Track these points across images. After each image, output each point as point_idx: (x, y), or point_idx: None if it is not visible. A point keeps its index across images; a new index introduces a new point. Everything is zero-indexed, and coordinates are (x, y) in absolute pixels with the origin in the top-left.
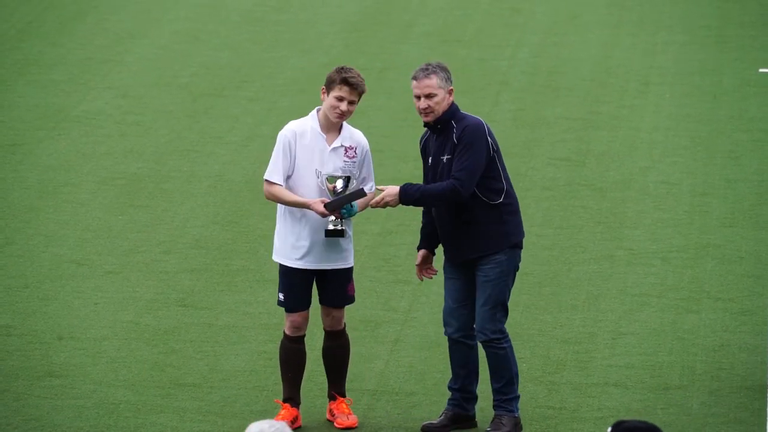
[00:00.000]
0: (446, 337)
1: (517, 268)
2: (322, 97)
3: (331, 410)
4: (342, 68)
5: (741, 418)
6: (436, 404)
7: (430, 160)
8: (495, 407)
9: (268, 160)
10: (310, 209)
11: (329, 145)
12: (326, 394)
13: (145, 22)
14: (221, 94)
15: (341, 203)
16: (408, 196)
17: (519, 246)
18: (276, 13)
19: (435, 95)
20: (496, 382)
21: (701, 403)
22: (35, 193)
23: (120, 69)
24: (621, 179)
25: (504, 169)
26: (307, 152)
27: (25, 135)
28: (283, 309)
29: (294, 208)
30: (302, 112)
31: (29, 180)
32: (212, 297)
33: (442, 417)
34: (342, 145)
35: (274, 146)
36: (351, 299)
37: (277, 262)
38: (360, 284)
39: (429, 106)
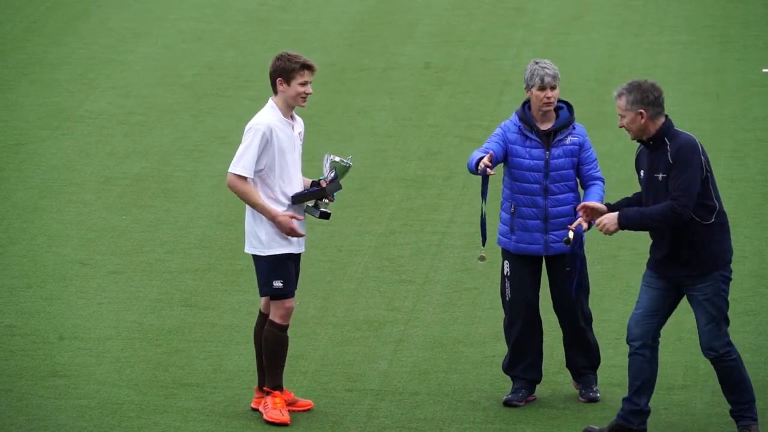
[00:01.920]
0: (452, 338)
1: (730, 279)
2: (280, 88)
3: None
4: (289, 56)
5: None
6: (440, 404)
7: (642, 174)
8: (737, 419)
9: None
10: (276, 222)
11: (294, 132)
12: (255, 386)
13: (149, 21)
14: (225, 93)
15: (306, 199)
16: (629, 221)
17: (730, 261)
18: (280, 13)
19: (624, 116)
20: (731, 394)
21: (705, 403)
22: (39, 193)
23: (124, 68)
24: (625, 179)
25: (715, 188)
26: (286, 143)
27: (28, 134)
28: (275, 298)
29: (272, 196)
30: (305, 111)
31: (33, 180)
32: (216, 297)
33: (606, 427)
34: (300, 130)
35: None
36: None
37: (261, 255)
38: (364, 284)
39: (622, 125)
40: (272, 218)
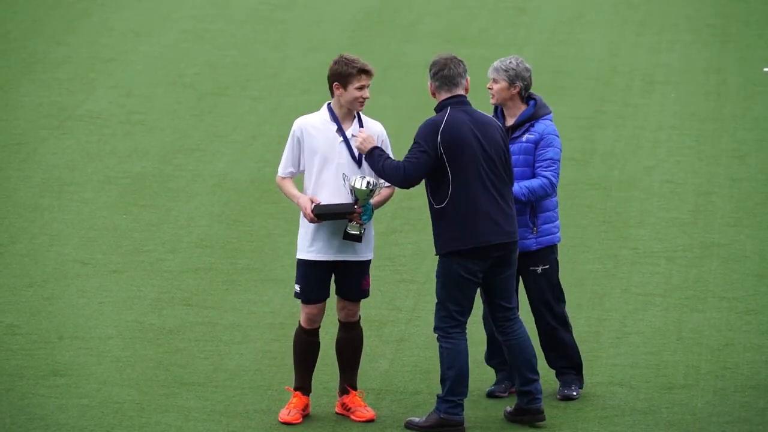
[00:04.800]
0: None
1: (453, 270)
2: (337, 92)
3: (344, 404)
4: (346, 60)
5: (746, 417)
6: None
7: None
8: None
9: (273, 159)
10: (298, 204)
11: (347, 134)
12: (336, 388)
13: (150, 20)
14: (226, 93)
15: (329, 216)
16: (372, 154)
17: (459, 253)
18: (281, 12)
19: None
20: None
21: (706, 402)
22: (40, 192)
23: (125, 68)
24: (626, 178)
25: (464, 175)
26: (323, 146)
27: (29, 134)
28: (299, 301)
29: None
30: (307, 111)
31: (34, 179)
32: (217, 296)
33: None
34: (356, 135)
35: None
36: (365, 293)
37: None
38: None
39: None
40: (295, 200)
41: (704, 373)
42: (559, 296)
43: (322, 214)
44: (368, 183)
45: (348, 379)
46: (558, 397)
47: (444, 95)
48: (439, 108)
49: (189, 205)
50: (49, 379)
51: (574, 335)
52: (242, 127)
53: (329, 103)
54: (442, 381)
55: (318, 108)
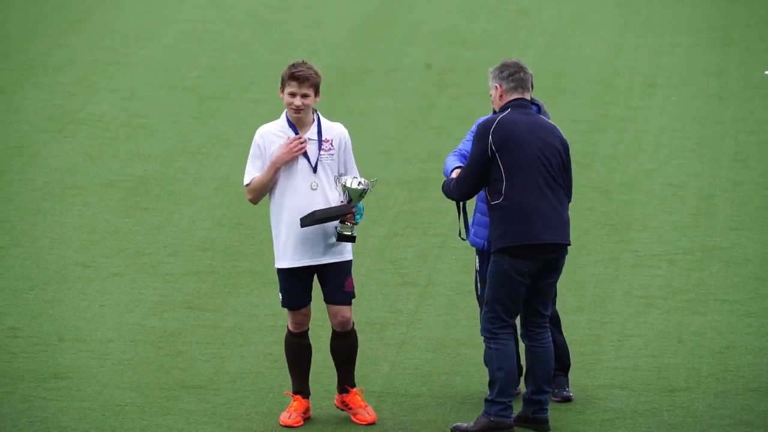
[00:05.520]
0: (455, 340)
1: (506, 269)
2: (280, 96)
3: (344, 402)
4: (293, 64)
5: (747, 420)
6: (442, 406)
7: None
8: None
9: None
10: (278, 162)
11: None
12: (335, 388)
13: (151, 23)
14: (228, 96)
15: (324, 220)
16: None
17: (509, 251)
18: (283, 15)
19: (491, 94)
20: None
21: (707, 405)
22: (41, 196)
23: (126, 71)
24: (627, 181)
25: (515, 173)
26: (276, 149)
27: (31, 137)
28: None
29: (276, 206)
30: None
31: (35, 182)
32: (218, 299)
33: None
34: (312, 138)
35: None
36: (351, 295)
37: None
38: (366, 286)
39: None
40: (273, 164)
41: (705, 376)
42: (555, 298)
43: (320, 220)
44: (360, 183)
45: (347, 379)
46: (555, 399)
47: (511, 97)
48: (503, 110)
49: (191, 208)
50: (50, 382)
51: (569, 339)
52: (244, 131)
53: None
54: (492, 383)
55: (322, 112)
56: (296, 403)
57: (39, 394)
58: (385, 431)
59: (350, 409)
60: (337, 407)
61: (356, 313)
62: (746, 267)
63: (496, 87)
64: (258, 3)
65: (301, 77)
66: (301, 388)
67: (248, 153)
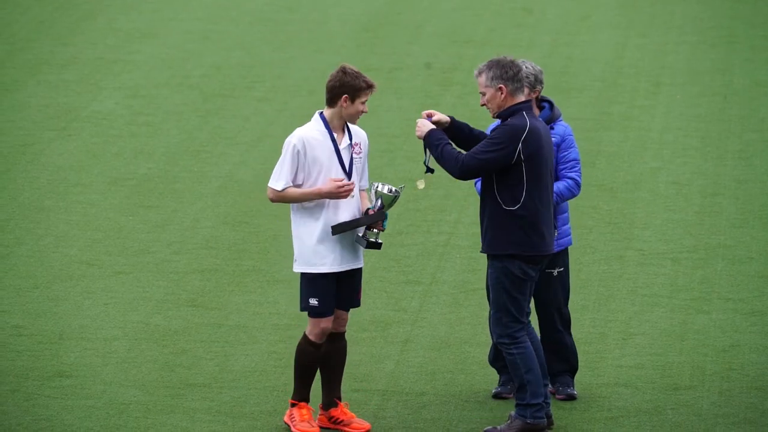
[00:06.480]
0: (459, 338)
1: (516, 276)
2: (343, 105)
3: (332, 417)
4: (355, 73)
5: (751, 419)
6: (446, 404)
7: None
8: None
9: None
10: (324, 195)
11: (340, 145)
12: (319, 403)
13: (155, 22)
14: (232, 94)
15: (348, 228)
16: (431, 139)
17: (520, 258)
18: (287, 13)
19: (484, 93)
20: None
21: (711, 404)
22: (45, 194)
23: (131, 69)
24: (631, 180)
25: (535, 184)
26: (323, 157)
27: (35, 135)
28: (307, 314)
29: (308, 210)
30: (313, 112)
31: (39, 180)
32: (222, 297)
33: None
34: (350, 143)
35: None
36: (359, 302)
37: (301, 272)
38: (370, 285)
39: (483, 103)
40: (319, 195)
41: (710, 375)
42: (567, 299)
43: (353, 226)
44: (390, 189)
45: (335, 392)
46: (559, 397)
47: (519, 98)
48: (511, 112)
49: (195, 206)
50: (55, 381)
51: (574, 337)
52: (248, 129)
53: (321, 113)
54: (521, 387)
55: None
56: (305, 411)
57: (43, 392)
58: (389, 429)
59: (341, 422)
60: (324, 426)
61: (360, 311)
62: (750, 265)
63: (500, 87)
64: (263, 2)
65: (375, 85)
66: (306, 395)
67: (254, 151)
